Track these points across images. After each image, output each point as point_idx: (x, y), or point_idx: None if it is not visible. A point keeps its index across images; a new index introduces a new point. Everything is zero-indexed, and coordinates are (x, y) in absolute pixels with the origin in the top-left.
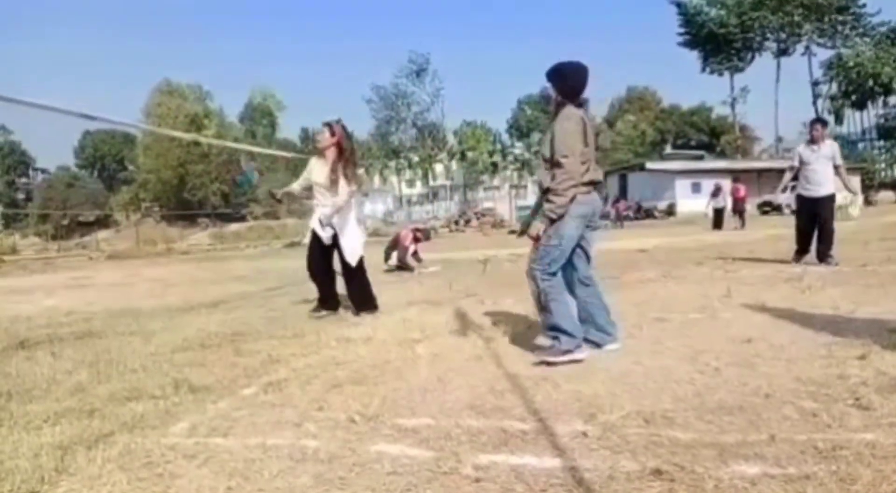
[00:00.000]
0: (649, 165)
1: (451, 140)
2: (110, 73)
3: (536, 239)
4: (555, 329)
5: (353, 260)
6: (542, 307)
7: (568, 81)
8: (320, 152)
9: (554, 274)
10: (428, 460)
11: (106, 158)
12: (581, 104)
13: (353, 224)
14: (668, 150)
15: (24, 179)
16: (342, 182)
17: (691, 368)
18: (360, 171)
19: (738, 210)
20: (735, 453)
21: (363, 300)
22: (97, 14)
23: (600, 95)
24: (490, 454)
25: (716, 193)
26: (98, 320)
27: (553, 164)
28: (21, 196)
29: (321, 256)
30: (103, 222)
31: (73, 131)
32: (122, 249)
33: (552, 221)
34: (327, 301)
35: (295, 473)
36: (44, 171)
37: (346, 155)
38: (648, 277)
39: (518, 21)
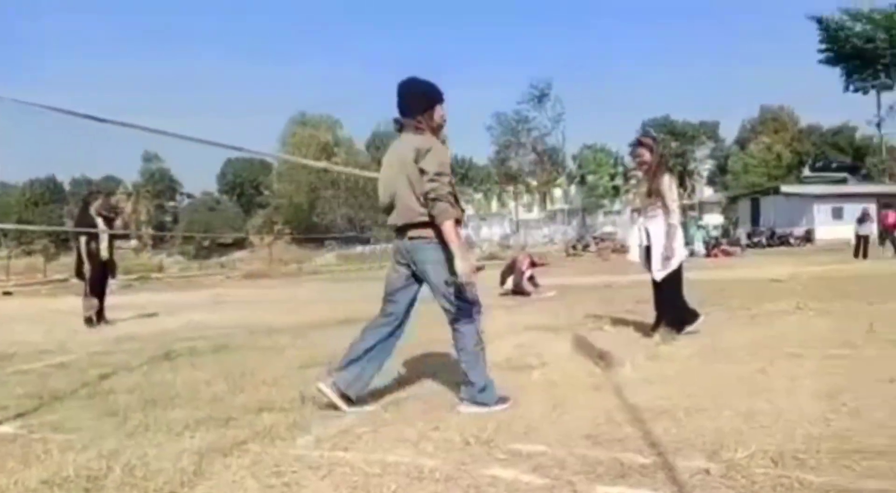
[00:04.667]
0: (785, 188)
1: (571, 164)
2: (247, 100)
3: None
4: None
5: (657, 275)
6: None
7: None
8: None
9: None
10: (542, 486)
11: (244, 184)
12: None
13: (661, 237)
14: (807, 172)
15: (171, 203)
16: (669, 197)
17: (827, 407)
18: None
19: (889, 238)
20: None
21: (669, 319)
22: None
23: (732, 115)
24: (606, 485)
25: (863, 219)
26: (234, 334)
27: None
28: (168, 219)
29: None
30: (240, 243)
31: (216, 159)
32: (256, 268)
33: None
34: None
35: (412, 491)
36: (189, 195)
37: (665, 168)
38: (783, 308)
39: (643, 43)
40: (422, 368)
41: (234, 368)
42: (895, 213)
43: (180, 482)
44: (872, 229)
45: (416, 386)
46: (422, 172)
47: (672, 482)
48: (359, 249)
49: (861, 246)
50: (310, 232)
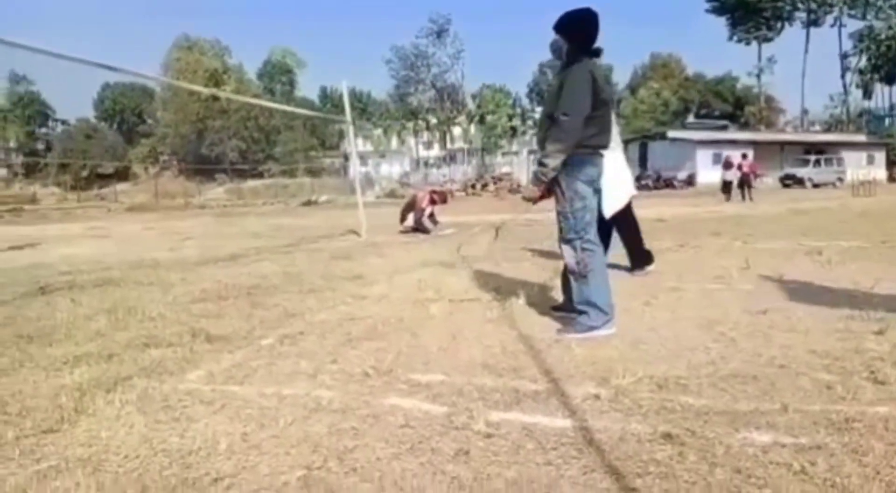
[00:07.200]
0: (671, 133)
1: (471, 103)
2: (128, 24)
3: (537, 201)
4: (587, 304)
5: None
6: (580, 277)
7: (579, 30)
8: None
9: (592, 240)
10: (440, 415)
11: (125, 112)
12: (596, 54)
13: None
14: (691, 119)
15: (43, 130)
16: None
17: (706, 337)
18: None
19: (744, 184)
20: (747, 421)
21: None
22: None
23: (624, 60)
24: (502, 411)
25: (727, 165)
26: (116, 269)
27: (553, 121)
28: (41, 146)
29: None
30: (122, 175)
31: (92, 83)
32: (140, 201)
33: (560, 186)
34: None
35: (309, 422)
36: (63, 122)
37: None
38: (666, 246)
39: None
40: (317, 303)
41: (118, 303)
42: (749, 162)
43: (59, 419)
44: (736, 175)
45: (311, 320)
46: None
47: (564, 406)
48: (251, 183)
49: (726, 190)
50: (199, 164)
